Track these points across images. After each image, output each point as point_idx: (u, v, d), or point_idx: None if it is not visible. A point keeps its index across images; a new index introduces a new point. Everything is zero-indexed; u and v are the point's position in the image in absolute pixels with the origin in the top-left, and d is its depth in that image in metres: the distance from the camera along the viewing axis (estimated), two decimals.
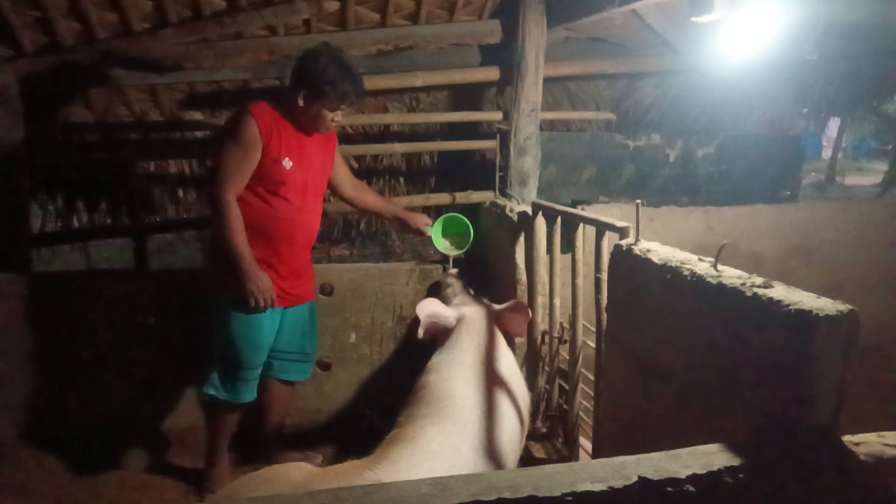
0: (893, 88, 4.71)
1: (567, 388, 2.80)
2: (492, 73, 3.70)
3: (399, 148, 3.81)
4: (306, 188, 2.75)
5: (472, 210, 3.92)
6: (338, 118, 2.71)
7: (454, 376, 2.27)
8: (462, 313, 2.56)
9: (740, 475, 1.22)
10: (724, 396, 1.50)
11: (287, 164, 2.65)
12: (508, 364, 2.47)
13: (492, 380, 2.30)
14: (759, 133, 4.55)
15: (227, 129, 2.64)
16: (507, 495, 1.10)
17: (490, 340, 2.47)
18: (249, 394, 2.80)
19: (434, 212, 4.54)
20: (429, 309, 2.58)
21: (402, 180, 4.09)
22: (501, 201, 3.50)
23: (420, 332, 2.56)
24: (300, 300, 2.86)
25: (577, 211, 2.90)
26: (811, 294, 1.36)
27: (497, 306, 2.73)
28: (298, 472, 1.85)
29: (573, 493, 1.12)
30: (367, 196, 3.15)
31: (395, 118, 3.86)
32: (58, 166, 3.65)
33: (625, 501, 1.15)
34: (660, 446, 1.30)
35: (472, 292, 2.96)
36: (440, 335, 2.54)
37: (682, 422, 1.65)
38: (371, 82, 3.68)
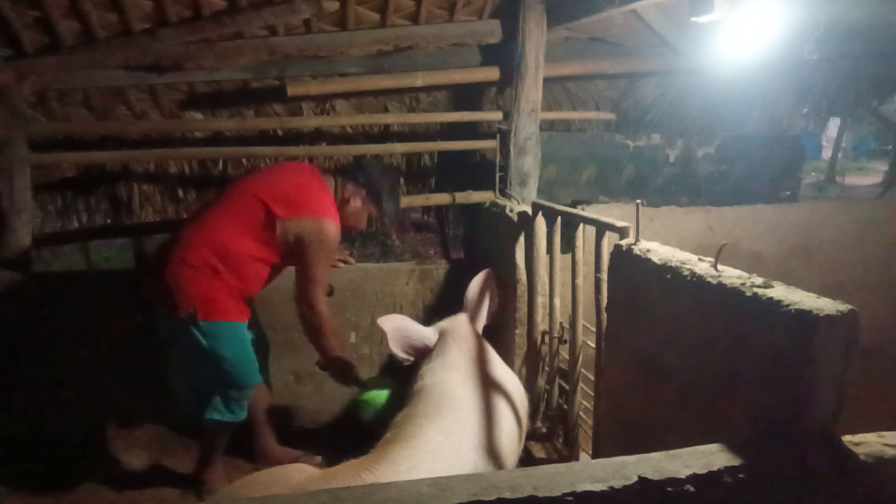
0: (893, 89, 4.71)
1: (567, 388, 2.80)
2: (492, 73, 3.70)
3: (399, 148, 3.80)
4: None
5: (472, 210, 3.93)
6: (364, 226, 3.07)
7: (450, 379, 2.26)
8: (442, 326, 2.52)
9: (740, 475, 1.21)
10: (724, 396, 1.50)
11: None
12: (501, 366, 2.46)
13: (488, 381, 2.29)
14: (759, 133, 4.55)
15: (323, 240, 2.72)
16: (507, 495, 1.10)
17: (478, 344, 2.46)
18: (245, 412, 2.83)
19: (434, 212, 4.55)
20: (394, 322, 2.50)
21: (402, 180, 4.08)
22: (501, 201, 3.50)
23: (392, 347, 2.48)
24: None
25: (577, 211, 2.90)
26: (811, 294, 1.36)
27: (467, 306, 2.69)
28: (298, 474, 1.85)
29: (573, 493, 1.12)
30: None
31: (395, 118, 3.86)
32: (58, 166, 3.65)
33: (625, 501, 1.15)
34: (660, 446, 1.30)
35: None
36: (420, 355, 2.45)
37: (682, 422, 1.65)
38: (371, 82, 3.69)
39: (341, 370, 2.84)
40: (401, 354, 2.47)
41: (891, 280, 3.85)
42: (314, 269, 2.71)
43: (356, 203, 2.89)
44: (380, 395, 2.67)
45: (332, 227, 2.75)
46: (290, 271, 2.93)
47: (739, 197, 4.11)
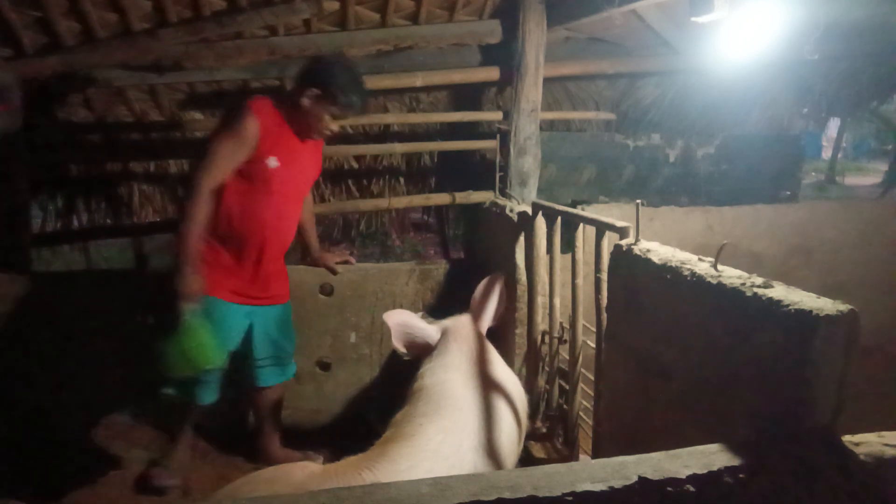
0: (893, 89, 4.71)
1: (567, 388, 2.80)
2: (492, 73, 3.70)
3: (399, 148, 3.81)
4: (288, 192, 2.77)
5: (472, 210, 3.93)
6: (333, 127, 2.74)
7: (450, 379, 2.26)
8: (445, 325, 2.52)
9: (740, 475, 1.21)
10: (724, 396, 1.50)
11: (272, 162, 2.66)
12: (502, 367, 2.46)
13: (488, 382, 2.29)
14: (759, 133, 4.55)
15: (224, 122, 2.65)
16: (507, 495, 1.10)
17: (480, 345, 2.46)
18: (208, 395, 2.78)
19: (434, 212, 4.56)
20: (399, 317, 2.50)
21: (402, 180, 4.09)
22: (501, 201, 3.51)
23: (394, 343, 2.48)
24: (271, 301, 2.86)
25: (577, 211, 2.90)
26: (811, 294, 1.36)
27: (473, 307, 2.69)
28: (300, 471, 1.85)
29: (573, 493, 1.12)
30: (305, 212, 3.07)
31: (395, 118, 3.86)
32: (58, 166, 3.65)
33: (625, 501, 1.15)
34: (660, 446, 1.30)
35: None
36: (422, 352, 2.45)
37: (682, 422, 1.65)
38: (371, 82, 3.68)
39: (179, 272, 2.54)
40: (402, 350, 2.48)
41: (891, 280, 3.85)
42: (209, 145, 2.60)
43: (307, 102, 2.65)
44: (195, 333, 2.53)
45: (240, 109, 2.60)
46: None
47: (739, 197, 4.11)
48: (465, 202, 3.81)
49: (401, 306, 3.43)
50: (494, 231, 3.43)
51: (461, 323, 2.53)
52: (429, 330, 2.48)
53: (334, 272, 3.29)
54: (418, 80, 3.67)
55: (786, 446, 1.28)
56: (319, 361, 3.43)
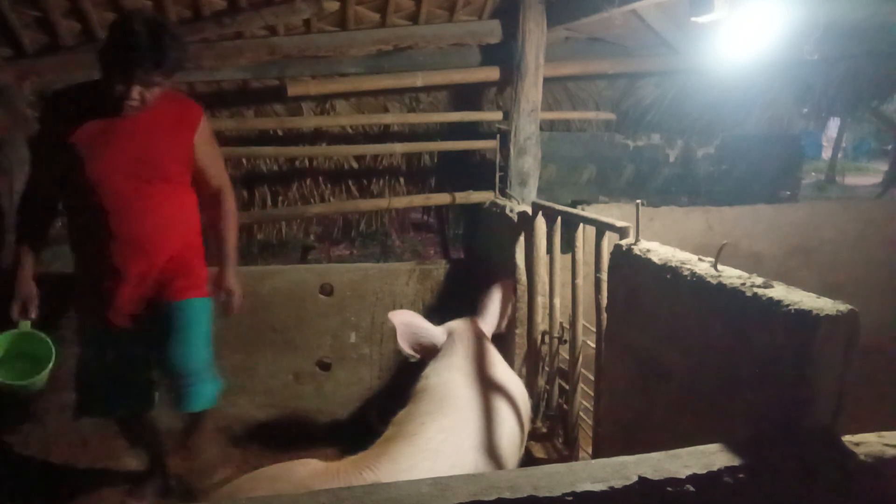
0: (893, 88, 4.71)
1: (567, 388, 2.80)
2: (492, 73, 3.70)
3: (399, 148, 3.81)
4: (118, 179, 2.34)
5: (472, 210, 3.93)
6: (134, 94, 2.21)
7: (453, 379, 2.27)
8: (451, 327, 2.53)
9: (740, 475, 1.22)
10: (724, 396, 1.50)
11: (80, 152, 2.29)
12: (505, 369, 2.47)
13: (491, 383, 2.30)
14: (759, 133, 4.55)
15: None
16: (507, 495, 1.10)
17: (485, 347, 2.47)
18: (119, 408, 2.65)
19: (434, 212, 4.55)
20: (404, 317, 2.49)
21: (402, 180, 4.09)
22: (501, 201, 3.51)
23: (400, 343, 2.46)
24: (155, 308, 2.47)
25: (577, 211, 2.90)
26: (811, 294, 1.37)
27: (480, 310, 2.69)
28: (302, 468, 1.86)
29: (573, 493, 1.12)
30: (214, 210, 2.63)
31: (395, 118, 3.86)
32: None
33: (625, 501, 1.15)
34: (660, 446, 1.30)
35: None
36: (428, 353, 2.46)
37: (682, 422, 1.65)
38: (371, 82, 3.69)
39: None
40: (408, 351, 2.48)
41: (891, 280, 3.85)
42: None
43: (99, 74, 2.25)
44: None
45: None
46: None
47: (739, 197, 4.11)
48: (465, 202, 3.81)
49: (401, 306, 3.43)
50: (494, 231, 3.43)
51: (466, 325, 2.54)
52: (434, 331, 2.49)
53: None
54: (418, 80, 3.67)
55: (786, 446, 1.28)
56: (319, 361, 3.43)
